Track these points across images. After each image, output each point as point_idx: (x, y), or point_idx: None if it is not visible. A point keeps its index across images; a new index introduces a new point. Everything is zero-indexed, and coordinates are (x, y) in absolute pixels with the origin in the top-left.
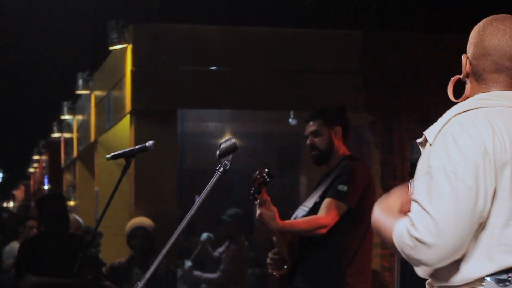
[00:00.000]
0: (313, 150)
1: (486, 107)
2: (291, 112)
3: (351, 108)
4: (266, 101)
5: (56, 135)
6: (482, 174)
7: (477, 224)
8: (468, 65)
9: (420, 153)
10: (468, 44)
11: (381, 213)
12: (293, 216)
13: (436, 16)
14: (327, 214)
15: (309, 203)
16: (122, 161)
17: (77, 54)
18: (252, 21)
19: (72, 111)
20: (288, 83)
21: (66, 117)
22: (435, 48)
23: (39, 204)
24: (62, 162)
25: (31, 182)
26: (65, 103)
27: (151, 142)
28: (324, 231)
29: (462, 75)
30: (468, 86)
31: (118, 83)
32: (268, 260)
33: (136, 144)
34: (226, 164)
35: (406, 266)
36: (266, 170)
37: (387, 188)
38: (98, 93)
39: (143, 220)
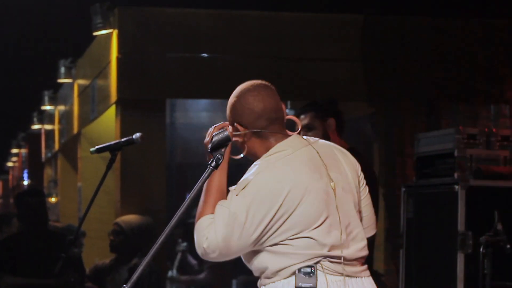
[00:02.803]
0: None
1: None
2: (288, 102)
3: (351, 97)
4: None
5: (36, 126)
6: None
7: None
8: (244, 130)
9: (426, 145)
10: (234, 117)
11: (215, 187)
12: None
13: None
14: None
15: None
16: (107, 154)
17: (59, 40)
18: (246, 5)
19: (54, 101)
20: (284, 71)
21: (47, 107)
22: (439, 33)
23: (17, 201)
24: (43, 155)
25: (10, 177)
26: (46, 93)
27: (138, 134)
28: None
29: (239, 141)
30: (250, 146)
31: (102, 71)
32: None
33: (122, 136)
34: (218, 158)
35: (410, 268)
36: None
37: (387, 184)
38: (81, 81)
39: (123, 218)
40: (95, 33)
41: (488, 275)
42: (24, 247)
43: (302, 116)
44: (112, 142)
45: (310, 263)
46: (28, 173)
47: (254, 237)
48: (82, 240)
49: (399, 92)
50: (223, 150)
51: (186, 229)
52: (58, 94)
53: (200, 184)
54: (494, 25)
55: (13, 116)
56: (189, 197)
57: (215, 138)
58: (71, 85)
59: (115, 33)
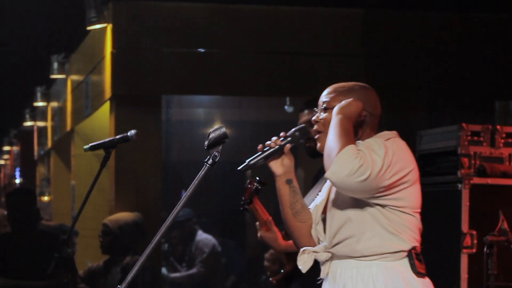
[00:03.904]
0: (308, 142)
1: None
2: (287, 99)
3: None
4: (260, 86)
5: (28, 123)
6: None
7: None
8: (366, 116)
9: (429, 143)
10: (365, 101)
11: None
12: None
13: None
14: None
15: (307, 202)
16: (101, 152)
17: (52, 34)
18: None
19: (46, 97)
20: (283, 67)
21: (39, 103)
22: (442, 27)
23: (7, 200)
24: (35, 153)
25: (1, 175)
26: (38, 89)
27: (133, 131)
28: None
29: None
30: (360, 130)
31: (96, 67)
32: (265, 263)
33: (116, 133)
34: (215, 156)
35: None
36: (257, 178)
37: None
38: (74, 77)
39: (110, 217)
40: (89, 28)
41: (492, 275)
42: (14, 248)
43: (306, 111)
44: (107, 140)
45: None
46: (20, 171)
47: (387, 183)
48: (74, 240)
49: (400, 88)
50: (220, 147)
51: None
52: (51, 90)
53: (196, 182)
54: (497, 20)
55: (5, 113)
56: (185, 195)
57: (212, 135)
58: (64, 81)
59: (109, 27)
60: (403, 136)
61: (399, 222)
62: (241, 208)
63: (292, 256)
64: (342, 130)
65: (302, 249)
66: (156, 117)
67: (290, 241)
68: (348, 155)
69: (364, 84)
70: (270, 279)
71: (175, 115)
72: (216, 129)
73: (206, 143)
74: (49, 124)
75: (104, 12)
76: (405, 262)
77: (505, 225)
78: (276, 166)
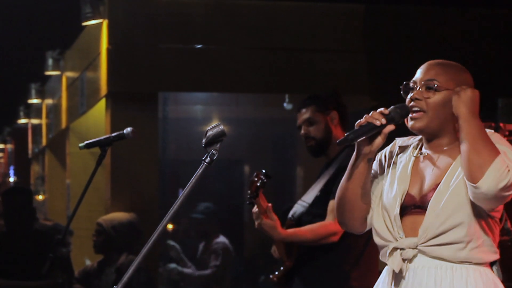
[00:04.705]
0: (308, 141)
1: None
2: (286, 96)
3: (352, 91)
4: (258, 83)
5: (23, 121)
6: None
7: None
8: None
9: None
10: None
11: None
12: (291, 212)
13: None
14: (336, 219)
15: (308, 198)
16: (96, 150)
17: (46, 30)
18: None
19: (41, 94)
20: (282, 63)
21: (34, 101)
22: (444, 23)
23: (3, 199)
24: (30, 151)
25: None
26: (33, 86)
27: (129, 129)
28: (335, 238)
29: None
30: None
31: (92, 63)
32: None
33: (112, 131)
34: (213, 154)
35: None
36: (264, 171)
37: None
38: (70, 74)
39: (105, 216)
40: (84, 23)
41: None
42: (9, 248)
43: (303, 110)
44: (102, 137)
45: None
46: (14, 169)
47: None
48: (69, 239)
49: (402, 84)
50: (217, 145)
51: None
52: (45, 87)
53: (194, 181)
54: (499, 15)
55: None
56: (182, 194)
57: (209, 133)
58: (59, 78)
59: (105, 23)
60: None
61: (496, 233)
62: (247, 202)
63: (291, 252)
64: (485, 134)
65: (389, 250)
66: (153, 114)
67: (289, 230)
68: (501, 166)
69: (461, 65)
70: (271, 276)
71: (172, 113)
72: (213, 127)
73: (203, 141)
74: (43, 121)
75: (100, 8)
76: (494, 268)
77: (509, 225)
78: (366, 143)
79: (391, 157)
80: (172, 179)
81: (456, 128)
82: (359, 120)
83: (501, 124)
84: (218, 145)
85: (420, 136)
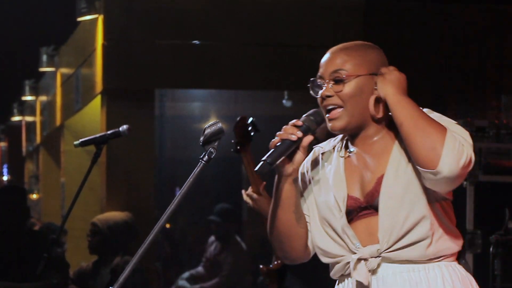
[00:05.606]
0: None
1: None
2: (285, 92)
3: None
4: (257, 79)
5: (16, 118)
6: None
7: None
8: None
9: None
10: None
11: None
12: None
13: None
14: None
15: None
16: (92, 148)
17: (41, 25)
18: None
19: (35, 91)
20: (281, 59)
21: (28, 98)
22: (446, 19)
23: None
24: (24, 149)
25: None
26: (27, 82)
27: (125, 126)
28: None
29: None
30: None
31: (87, 59)
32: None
33: (108, 128)
34: (211, 152)
35: None
36: (252, 119)
37: None
38: (64, 70)
39: (100, 216)
40: (79, 19)
41: (498, 276)
42: (2, 248)
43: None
44: (98, 135)
45: None
46: (8, 168)
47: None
48: (63, 239)
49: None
50: (216, 143)
51: None
52: (39, 83)
53: (191, 180)
54: (502, 12)
55: None
56: (179, 193)
57: (207, 131)
58: (53, 74)
59: (100, 18)
60: None
61: (451, 214)
62: (232, 150)
63: None
64: (423, 112)
65: (353, 262)
66: (149, 111)
67: None
68: (455, 143)
69: (366, 42)
70: (261, 266)
71: (169, 110)
72: (211, 125)
73: (201, 139)
74: (38, 119)
75: (95, 3)
76: (461, 262)
77: (511, 224)
78: (286, 162)
79: (315, 167)
80: (168, 177)
81: (376, 115)
82: (272, 140)
83: (505, 122)
84: (216, 143)
85: (340, 136)
